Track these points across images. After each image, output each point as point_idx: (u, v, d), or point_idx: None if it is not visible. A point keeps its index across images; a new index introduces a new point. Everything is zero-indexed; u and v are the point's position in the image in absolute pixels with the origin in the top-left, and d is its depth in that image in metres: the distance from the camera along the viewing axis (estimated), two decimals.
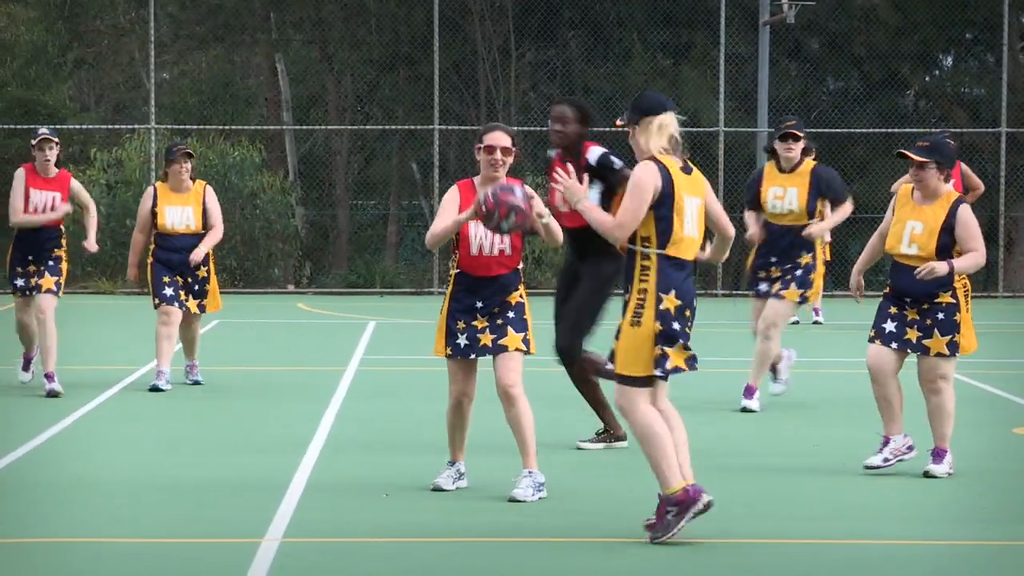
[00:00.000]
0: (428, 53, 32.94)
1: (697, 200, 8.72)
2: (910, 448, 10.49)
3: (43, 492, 10.68)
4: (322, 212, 37.68)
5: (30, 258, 14.91)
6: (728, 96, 32.85)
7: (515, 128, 29.46)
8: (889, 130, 33.72)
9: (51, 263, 15.04)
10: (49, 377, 14.48)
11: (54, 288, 14.93)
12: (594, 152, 11.38)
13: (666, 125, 9.09)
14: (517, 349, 10.36)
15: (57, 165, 15.05)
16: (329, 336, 22.87)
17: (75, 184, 15.49)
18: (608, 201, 11.00)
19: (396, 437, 12.94)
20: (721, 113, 32.35)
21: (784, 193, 13.46)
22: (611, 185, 11.25)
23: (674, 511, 8.34)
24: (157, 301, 15.04)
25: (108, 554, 8.54)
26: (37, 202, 15.14)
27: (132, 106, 36.69)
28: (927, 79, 40.12)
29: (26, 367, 15.58)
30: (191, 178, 14.91)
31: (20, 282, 14.93)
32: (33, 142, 15.10)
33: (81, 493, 10.34)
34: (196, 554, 8.86)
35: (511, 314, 10.35)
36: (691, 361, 8.64)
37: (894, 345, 10.55)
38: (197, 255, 14.56)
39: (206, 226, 15.25)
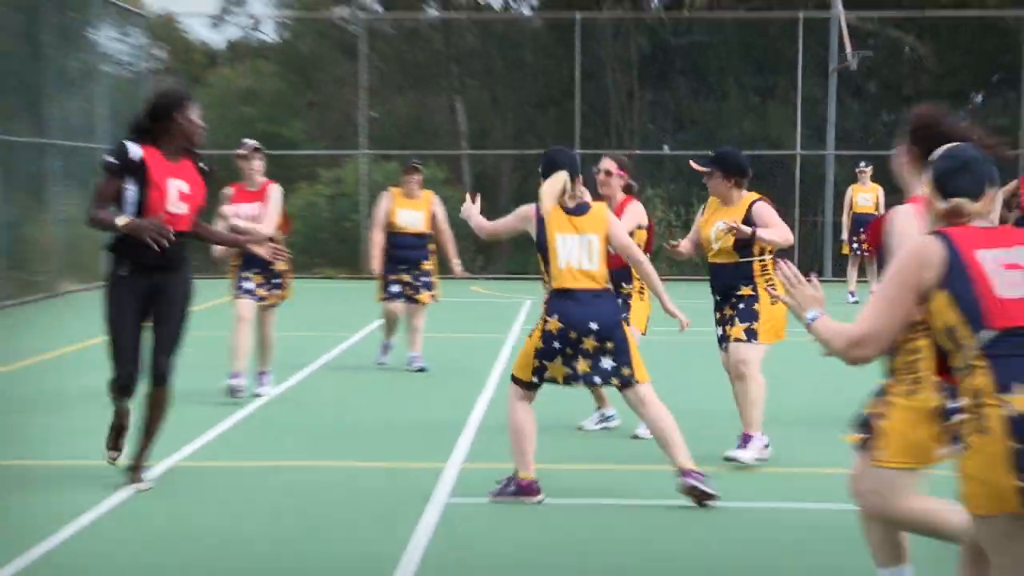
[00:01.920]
0: (571, 95, 33.61)
1: (577, 237, 8.70)
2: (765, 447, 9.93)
3: (309, 423, 11.71)
4: (491, 217, 36.95)
5: (256, 270, 13.35)
6: (804, 126, 33.39)
7: (637, 152, 32.17)
8: None
9: (275, 279, 13.55)
10: (263, 375, 13.41)
11: (272, 300, 13.57)
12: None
13: (555, 184, 9.23)
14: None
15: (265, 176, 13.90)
16: (499, 310, 23.33)
17: (275, 194, 13.81)
18: None
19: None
20: (798, 139, 33.10)
21: None
22: None
23: (513, 489, 8.54)
24: (383, 296, 15.00)
25: (345, 476, 9.52)
26: (242, 213, 14.05)
27: (348, 136, 36.41)
28: (962, 113, 37.76)
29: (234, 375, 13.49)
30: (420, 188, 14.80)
31: (248, 284, 13.36)
32: (243, 152, 14.00)
33: (338, 425, 11.44)
34: (398, 474, 9.80)
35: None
36: (569, 378, 8.63)
37: (723, 345, 10.21)
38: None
39: (433, 228, 15.19)
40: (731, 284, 9.98)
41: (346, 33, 37.56)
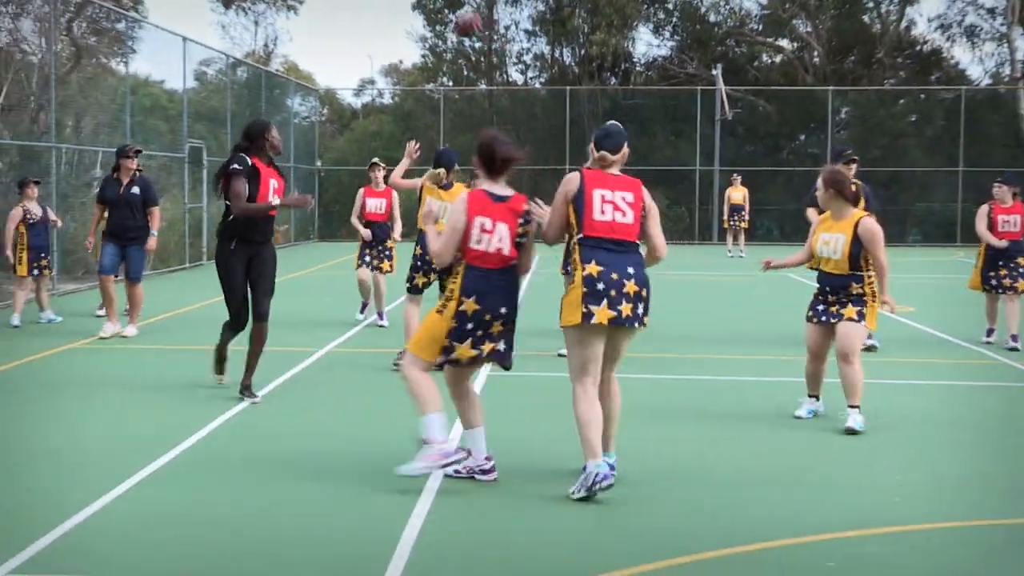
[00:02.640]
0: (563, 133, 37.08)
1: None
2: None
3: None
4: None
5: (375, 246, 15.50)
6: (700, 153, 37.27)
7: None
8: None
9: (387, 252, 15.60)
10: (380, 315, 15.47)
11: (389, 270, 15.65)
12: None
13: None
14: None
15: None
16: None
17: (394, 197, 15.50)
18: None
19: None
20: (697, 161, 37.16)
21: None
22: None
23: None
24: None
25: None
26: (371, 206, 15.62)
27: (429, 160, 39.97)
28: (790, 147, 42.43)
29: (362, 310, 16.17)
30: None
31: (367, 258, 15.58)
32: (372, 164, 15.70)
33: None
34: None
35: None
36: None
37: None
38: None
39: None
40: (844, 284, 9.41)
41: (432, 99, 43.06)
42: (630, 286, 7.37)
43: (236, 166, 9.92)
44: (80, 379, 11.78)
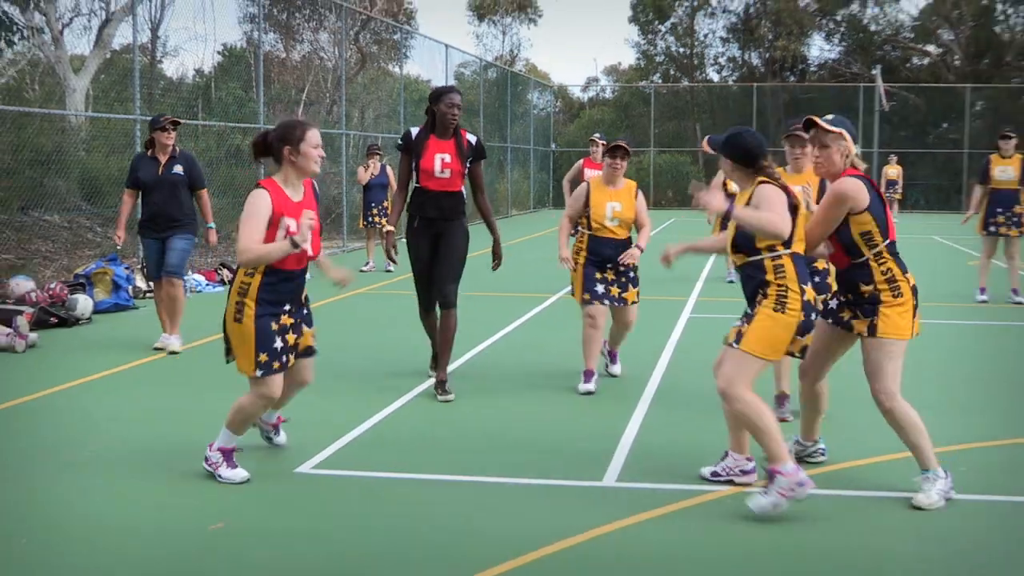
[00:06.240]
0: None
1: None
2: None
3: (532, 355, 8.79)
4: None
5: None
6: None
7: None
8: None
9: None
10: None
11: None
12: (471, 136, 7.69)
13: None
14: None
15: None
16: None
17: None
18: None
19: None
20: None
21: None
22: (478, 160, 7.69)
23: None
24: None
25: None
26: (590, 174, 13.40)
27: (644, 142, 37.70)
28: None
29: None
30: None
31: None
32: (593, 139, 14.01)
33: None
34: None
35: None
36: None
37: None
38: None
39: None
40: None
41: (644, 93, 42.90)
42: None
43: (398, 141, 7.87)
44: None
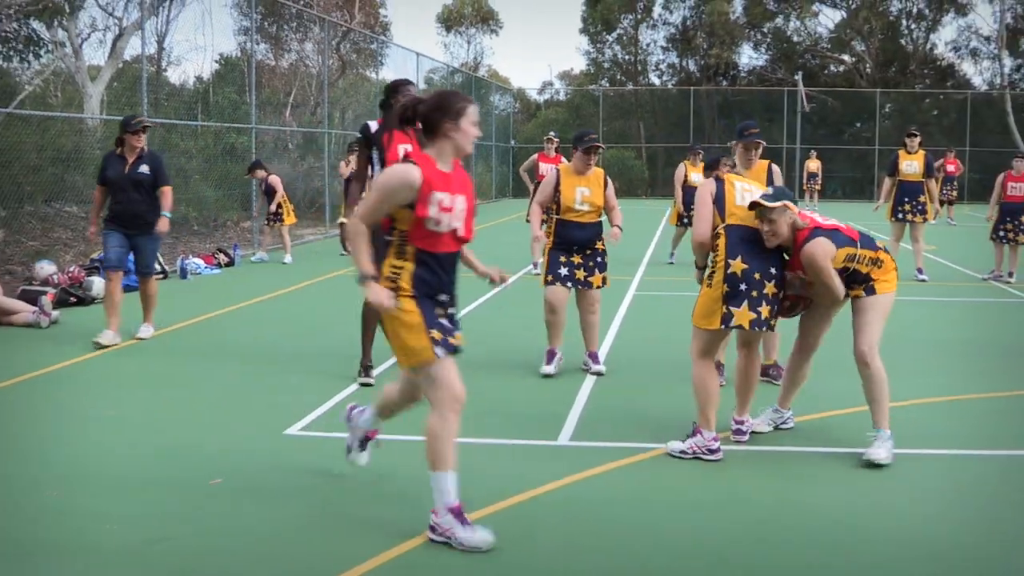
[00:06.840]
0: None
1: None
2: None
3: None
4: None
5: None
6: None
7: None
8: None
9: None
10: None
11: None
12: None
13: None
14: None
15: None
16: None
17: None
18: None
19: None
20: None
21: None
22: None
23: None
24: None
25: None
26: (543, 169, 13.95)
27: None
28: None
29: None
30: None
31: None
32: (546, 139, 14.25)
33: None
34: None
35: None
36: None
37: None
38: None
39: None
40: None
41: (593, 96, 42.36)
42: None
43: (357, 134, 6.92)
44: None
